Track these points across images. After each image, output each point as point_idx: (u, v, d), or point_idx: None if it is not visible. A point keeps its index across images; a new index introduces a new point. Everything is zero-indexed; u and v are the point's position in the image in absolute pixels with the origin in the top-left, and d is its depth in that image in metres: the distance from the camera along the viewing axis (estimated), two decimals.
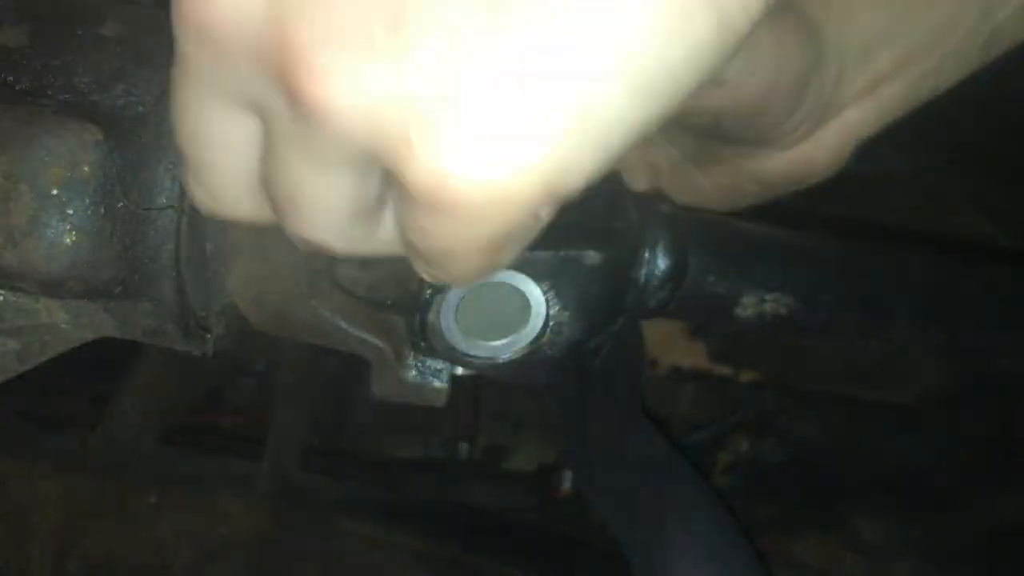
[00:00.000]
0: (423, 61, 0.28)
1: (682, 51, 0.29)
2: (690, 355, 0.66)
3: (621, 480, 0.47)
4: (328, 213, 0.34)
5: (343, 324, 0.47)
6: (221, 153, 0.35)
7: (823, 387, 0.72)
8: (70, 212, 0.38)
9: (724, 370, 0.66)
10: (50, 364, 0.44)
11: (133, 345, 0.45)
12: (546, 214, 0.31)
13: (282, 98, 0.30)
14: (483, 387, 0.91)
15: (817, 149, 0.49)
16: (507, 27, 0.28)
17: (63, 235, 0.38)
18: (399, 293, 0.47)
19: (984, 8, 0.46)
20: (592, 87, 0.28)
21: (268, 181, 0.34)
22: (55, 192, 0.38)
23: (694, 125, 0.49)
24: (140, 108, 0.40)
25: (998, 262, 0.60)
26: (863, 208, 0.74)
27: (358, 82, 0.28)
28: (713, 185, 0.54)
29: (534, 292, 0.46)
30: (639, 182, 0.56)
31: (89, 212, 0.39)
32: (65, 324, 0.42)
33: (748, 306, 0.51)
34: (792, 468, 0.79)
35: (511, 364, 0.47)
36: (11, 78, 0.39)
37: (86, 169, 0.38)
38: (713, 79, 0.30)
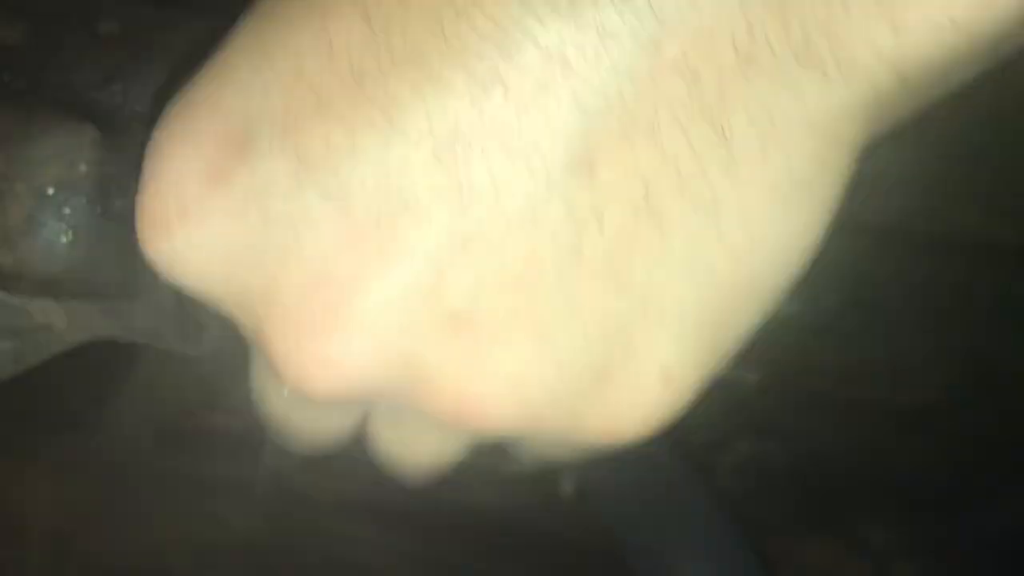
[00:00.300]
0: (576, 349, 0.27)
1: (801, 254, 0.29)
2: None
3: (622, 481, 0.46)
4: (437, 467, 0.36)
5: None
6: (332, 435, 0.37)
7: (824, 387, 0.72)
8: (67, 212, 0.38)
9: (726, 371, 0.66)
10: (49, 364, 0.44)
11: (132, 346, 0.45)
12: None
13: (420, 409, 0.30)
14: None
15: None
16: (637, 306, 0.27)
17: (60, 235, 0.38)
18: None
19: None
20: (731, 317, 0.28)
21: (384, 447, 0.36)
22: (52, 191, 0.38)
23: None
24: (138, 106, 0.40)
25: (998, 262, 0.60)
26: (863, 208, 0.73)
27: (519, 395, 0.28)
28: None
29: None
30: None
31: (86, 212, 0.38)
32: (61, 325, 0.41)
33: None
34: (795, 470, 0.79)
35: None
36: (7, 76, 0.39)
37: (83, 168, 0.38)
38: None
